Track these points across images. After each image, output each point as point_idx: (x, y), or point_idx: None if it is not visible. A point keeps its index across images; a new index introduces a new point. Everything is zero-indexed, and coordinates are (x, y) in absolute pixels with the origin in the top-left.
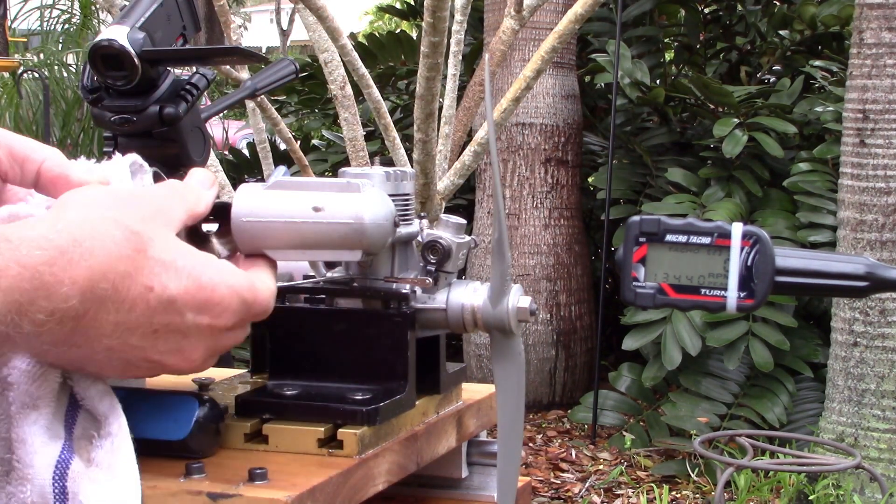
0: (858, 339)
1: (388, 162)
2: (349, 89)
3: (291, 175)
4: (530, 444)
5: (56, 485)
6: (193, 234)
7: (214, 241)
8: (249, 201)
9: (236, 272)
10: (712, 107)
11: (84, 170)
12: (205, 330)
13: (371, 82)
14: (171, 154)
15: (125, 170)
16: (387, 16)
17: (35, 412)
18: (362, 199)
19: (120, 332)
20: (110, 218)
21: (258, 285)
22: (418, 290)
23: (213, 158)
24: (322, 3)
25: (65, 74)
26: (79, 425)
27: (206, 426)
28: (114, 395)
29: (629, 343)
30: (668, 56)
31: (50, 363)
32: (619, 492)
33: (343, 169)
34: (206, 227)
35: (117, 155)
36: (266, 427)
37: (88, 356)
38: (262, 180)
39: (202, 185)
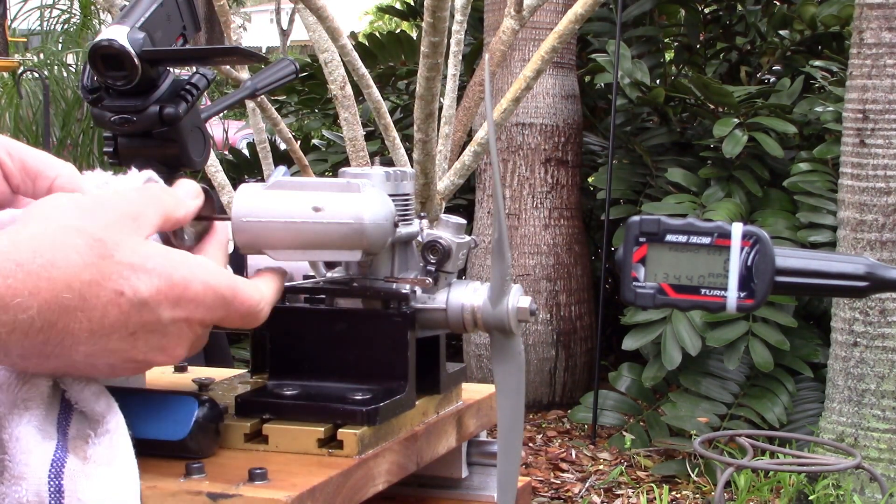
0: (858, 339)
1: (388, 162)
2: (349, 89)
3: (291, 175)
4: (530, 444)
5: (52, 483)
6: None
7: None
8: (249, 201)
9: (216, 271)
10: (712, 107)
11: (97, 185)
12: (183, 325)
13: (371, 82)
14: (171, 154)
15: (141, 182)
16: (387, 16)
17: (27, 413)
18: (362, 199)
19: (96, 338)
20: (72, 227)
21: (242, 286)
22: (418, 290)
23: (213, 158)
24: (322, 3)
25: (65, 74)
26: (73, 427)
27: (205, 426)
28: (109, 394)
29: (629, 343)
30: (668, 56)
31: (33, 374)
32: (619, 492)
33: (343, 169)
34: None
35: (133, 170)
36: (266, 427)
37: (69, 364)
38: (262, 180)
39: (187, 194)
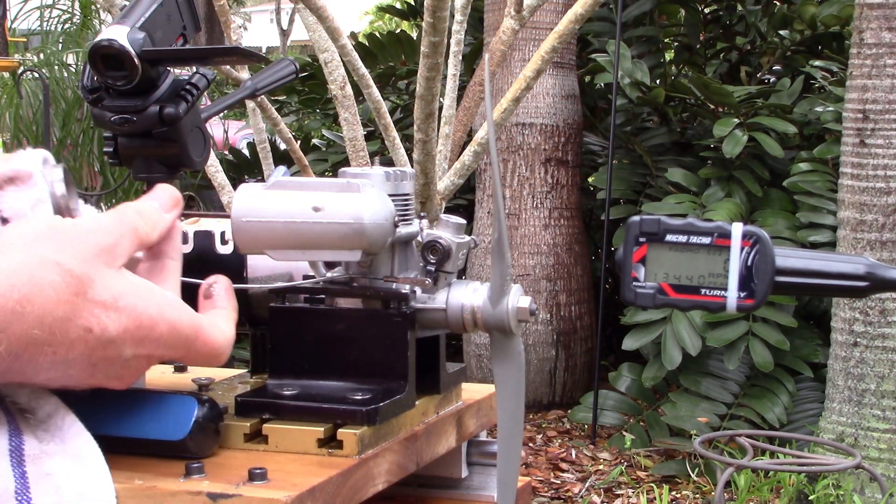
0: (858, 339)
1: (388, 162)
2: (349, 89)
3: (291, 175)
4: (530, 444)
5: (15, 469)
6: None
7: None
8: (249, 201)
9: (182, 311)
10: (712, 107)
11: None
12: (143, 360)
13: (371, 82)
14: (171, 154)
15: (38, 161)
16: (387, 16)
17: None
18: (362, 199)
19: (58, 368)
20: (51, 261)
21: (206, 326)
22: (418, 290)
23: (213, 158)
24: (322, 3)
25: (65, 74)
26: (15, 413)
27: (205, 426)
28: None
29: (629, 343)
30: (668, 56)
31: None
32: (619, 492)
33: (343, 169)
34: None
35: (29, 149)
36: (266, 427)
37: (25, 385)
38: (262, 180)
39: (163, 206)
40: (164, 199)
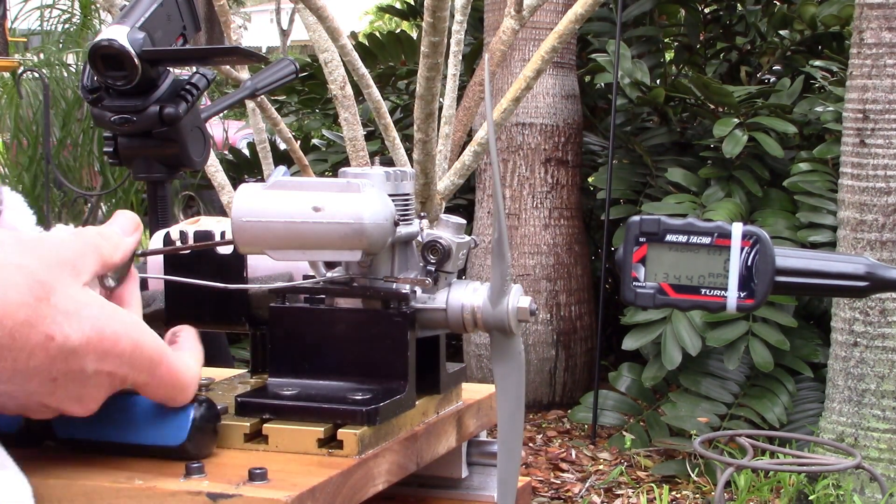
0: (858, 339)
1: (388, 162)
2: (349, 89)
3: (291, 175)
4: (530, 444)
5: None
6: None
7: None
8: (249, 201)
9: (148, 332)
10: (712, 107)
11: None
12: (105, 378)
13: (371, 82)
14: (171, 154)
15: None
16: (387, 16)
17: None
18: (362, 199)
19: (18, 378)
20: (13, 264)
21: (171, 354)
22: (418, 290)
23: (213, 158)
24: (322, 3)
25: (65, 74)
26: None
27: (203, 428)
28: None
29: (629, 343)
30: (668, 56)
31: None
32: (619, 492)
33: (343, 169)
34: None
35: None
36: (266, 427)
37: None
38: (262, 180)
39: (124, 231)
40: (125, 223)
